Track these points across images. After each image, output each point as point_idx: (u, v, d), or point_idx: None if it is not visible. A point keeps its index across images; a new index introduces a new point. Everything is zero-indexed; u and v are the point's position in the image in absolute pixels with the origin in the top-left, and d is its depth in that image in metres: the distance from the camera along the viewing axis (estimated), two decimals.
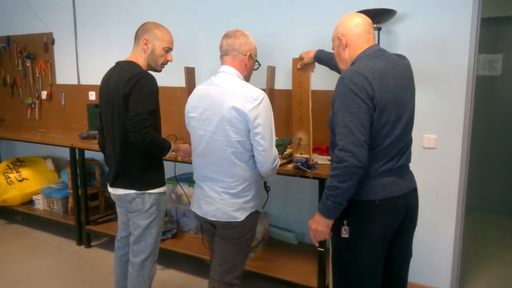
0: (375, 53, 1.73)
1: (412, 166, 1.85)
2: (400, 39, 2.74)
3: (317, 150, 2.92)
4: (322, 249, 2.55)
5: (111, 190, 2.35)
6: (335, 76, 1.81)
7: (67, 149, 3.67)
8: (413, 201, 1.81)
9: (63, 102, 4.53)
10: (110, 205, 3.93)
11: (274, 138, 1.99)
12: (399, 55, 1.82)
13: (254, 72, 2.17)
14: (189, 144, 2.24)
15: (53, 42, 4.49)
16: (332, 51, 1.95)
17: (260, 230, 3.15)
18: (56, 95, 4.58)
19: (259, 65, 2.17)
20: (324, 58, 2.35)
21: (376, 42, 2.58)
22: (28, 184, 4.26)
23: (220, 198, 2.01)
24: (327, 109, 1.77)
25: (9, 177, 4.21)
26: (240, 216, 2.01)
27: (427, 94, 2.68)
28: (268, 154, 1.94)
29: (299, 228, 3.32)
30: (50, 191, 4.09)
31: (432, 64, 2.66)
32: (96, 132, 2.95)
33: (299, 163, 2.49)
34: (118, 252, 2.50)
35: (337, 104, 1.63)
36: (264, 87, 2.80)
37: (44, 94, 4.64)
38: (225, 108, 1.90)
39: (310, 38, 3.01)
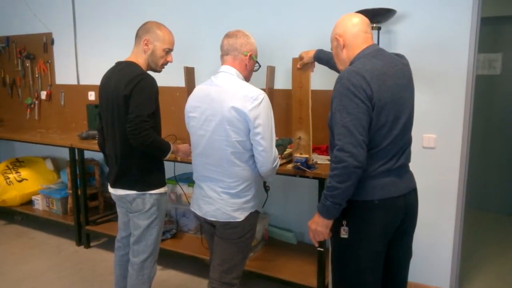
0: (374, 52, 1.73)
1: (412, 166, 1.84)
2: (400, 39, 2.74)
3: (316, 150, 2.92)
4: (322, 249, 2.55)
5: (111, 190, 2.34)
6: (335, 75, 1.81)
7: (66, 149, 3.67)
8: (413, 201, 1.81)
9: (63, 102, 4.52)
10: (109, 205, 3.93)
11: (274, 138, 1.99)
12: (397, 55, 1.82)
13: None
14: (189, 144, 2.24)
15: (52, 42, 4.48)
16: (331, 51, 1.95)
17: (260, 230, 3.15)
18: (55, 95, 4.58)
19: (259, 66, 2.17)
20: (324, 58, 2.34)
21: (376, 42, 2.59)
22: (28, 184, 4.26)
23: (219, 198, 2.01)
24: (327, 109, 1.77)
25: (9, 178, 4.21)
26: (240, 216, 2.01)
27: (426, 94, 2.68)
28: (268, 154, 1.94)
29: (298, 228, 3.32)
30: (50, 192, 4.09)
31: (431, 64, 2.66)
32: (95, 132, 2.95)
33: (298, 163, 2.49)
34: (118, 252, 2.50)
35: (335, 104, 1.63)
36: (264, 87, 2.80)
37: (43, 95, 4.64)
38: (225, 108, 1.90)
39: (310, 38, 3.01)
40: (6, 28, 4.83)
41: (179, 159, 2.64)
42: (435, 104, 2.69)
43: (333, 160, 1.63)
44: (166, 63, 2.32)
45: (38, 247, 3.79)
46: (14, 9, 4.72)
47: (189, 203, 2.28)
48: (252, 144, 1.94)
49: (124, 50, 2.50)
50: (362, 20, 1.80)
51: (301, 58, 2.42)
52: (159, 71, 2.33)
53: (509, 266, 3.38)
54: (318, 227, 1.72)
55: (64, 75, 4.48)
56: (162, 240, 3.16)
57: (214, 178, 2.02)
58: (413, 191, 1.81)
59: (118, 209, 2.45)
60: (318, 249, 2.57)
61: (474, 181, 4.13)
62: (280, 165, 2.50)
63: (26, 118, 4.81)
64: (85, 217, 3.67)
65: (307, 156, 2.49)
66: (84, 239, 3.74)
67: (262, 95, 1.92)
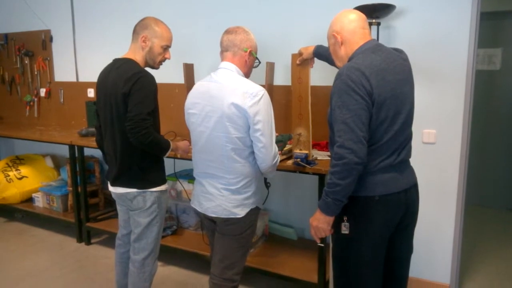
0: (372, 48, 1.72)
1: (412, 161, 1.84)
2: (399, 34, 2.74)
3: (316, 145, 2.92)
4: (322, 245, 2.55)
5: (111, 189, 2.34)
6: (335, 71, 1.80)
7: (66, 146, 3.67)
8: (414, 196, 1.81)
9: (62, 100, 4.52)
10: (110, 202, 3.93)
11: (274, 134, 1.99)
12: (396, 50, 1.82)
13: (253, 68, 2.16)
14: (189, 140, 2.24)
15: (51, 39, 4.47)
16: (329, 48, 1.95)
17: (260, 226, 3.15)
18: (54, 92, 4.57)
19: (259, 62, 2.16)
20: (323, 53, 2.34)
21: (375, 37, 2.59)
22: (28, 182, 4.26)
23: (220, 195, 2.01)
24: (326, 105, 1.77)
25: (9, 175, 4.21)
26: (241, 212, 2.01)
27: (426, 89, 2.68)
28: (268, 150, 1.94)
29: (299, 223, 3.32)
30: (50, 189, 4.09)
31: (431, 59, 2.66)
32: (95, 129, 2.93)
33: (298, 159, 2.49)
34: (119, 250, 2.50)
35: (335, 101, 1.63)
36: (263, 83, 2.79)
37: (42, 92, 4.63)
38: (225, 105, 1.90)
39: (309, 34, 3.00)
40: (5, 25, 4.82)
41: (178, 156, 2.64)
42: (435, 100, 2.69)
43: (333, 156, 1.62)
44: (164, 60, 2.31)
45: (38, 244, 3.79)
46: (12, 6, 4.71)
47: (190, 200, 2.28)
48: (252, 141, 1.94)
49: (123, 47, 2.49)
50: (359, 16, 1.79)
51: (300, 54, 2.41)
52: (157, 68, 2.32)
53: (509, 261, 3.39)
54: (320, 224, 1.72)
55: (63, 72, 4.48)
56: (163, 237, 3.16)
57: (215, 175, 2.02)
58: (414, 187, 1.81)
59: (118, 207, 2.45)
60: (319, 244, 2.56)
61: (474, 176, 4.14)
62: (280, 161, 2.50)
63: (26, 116, 4.81)
64: (85, 214, 3.68)
65: (307, 152, 2.49)
66: (84, 236, 3.75)
67: (262, 91, 1.92)
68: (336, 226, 1.76)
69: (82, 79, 4.35)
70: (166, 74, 3.25)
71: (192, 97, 2.06)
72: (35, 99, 4.72)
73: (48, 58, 4.54)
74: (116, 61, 2.24)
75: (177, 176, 3.13)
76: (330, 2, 2.92)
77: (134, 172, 2.21)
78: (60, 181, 4.25)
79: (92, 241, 3.79)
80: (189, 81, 3.01)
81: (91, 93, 4.22)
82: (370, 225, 1.72)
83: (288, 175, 3.05)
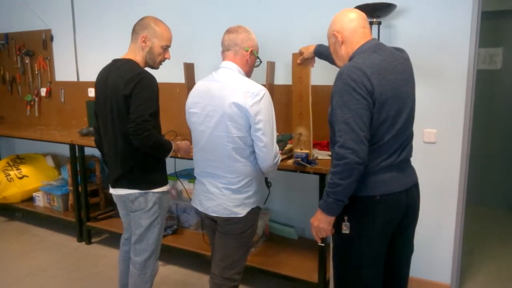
0: (373, 47, 1.72)
1: (413, 161, 1.84)
2: (400, 33, 2.73)
3: (317, 145, 2.92)
4: (323, 244, 2.54)
5: (112, 191, 2.31)
6: (335, 70, 1.80)
7: (67, 146, 3.67)
8: (414, 196, 1.81)
9: (63, 99, 4.52)
10: (110, 201, 3.90)
11: (275, 134, 1.98)
12: (397, 49, 1.81)
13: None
14: (190, 140, 2.24)
15: (52, 39, 4.47)
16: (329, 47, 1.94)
17: (261, 225, 3.15)
18: (55, 92, 4.57)
19: (260, 62, 2.15)
20: (324, 53, 2.33)
21: (376, 37, 2.59)
22: (28, 181, 4.26)
23: (221, 194, 2.01)
24: (327, 104, 1.77)
25: (9, 174, 4.21)
26: (241, 211, 2.01)
27: (427, 88, 2.67)
28: (269, 150, 1.94)
29: (299, 223, 3.32)
30: (50, 188, 4.09)
31: (432, 58, 2.65)
32: None
33: (299, 159, 2.49)
34: (123, 248, 2.49)
35: (336, 101, 1.63)
36: (264, 82, 2.79)
37: (43, 91, 4.63)
38: (226, 104, 1.90)
39: (309, 33, 3.00)
40: (5, 25, 4.82)
41: (179, 155, 2.63)
42: (436, 99, 2.68)
43: (334, 156, 1.62)
44: (164, 60, 2.29)
45: (39, 243, 3.80)
46: (13, 6, 4.70)
47: (190, 199, 2.28)
48: (253, 140, 1.94)
49: (124, 47, 2.47)
50: (359, 15, 1.79)
51: (301, 53, 2.41)
52: (157, 68, 2.30)
53: (510, 261, 3.38)
54: (321, 224, 1.72)
55: (63, 71, 4.48)
56: (163, 236, 3.16)
57: (216, 174, 2.02)
58: (415, 186, 1.81)
59: (120, 212, 2.42)
60: (319, 244, 2.56)
61: (475, 176, 4.13)
62: (281, 160, 2.50)
63: (26, 115, 4.81)
64: (86, 213, 3.68)
65: (307, 151, 2.49)
66: (85, 235, 3.75)
67: (263, 90, 1.92)
68: (336, 225, 1.76)
69: (82, 78, 4.35)
70: (167, 74, 3.25)
71: (193, 96, 2.06)
72: (36, 99, 4.72)
73: (49, 58, 4.54)
74: (116, 62, 2.21)
75: (177, 175, 3.13)
76: (330, 1, 2.92)
77: (136, 173, 2.19)
78: (61, 181, 4.26)
79: (93, 240, 3.79)
80: (190, 80, 3.01)
81: (91, 92, 4.22)
82: (371, 225, 1.71)
83: (289, 174, 3.05)
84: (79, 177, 3.67)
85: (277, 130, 2.12)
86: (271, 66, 2.91)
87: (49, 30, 4.47)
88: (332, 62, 2.33)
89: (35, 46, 4.61)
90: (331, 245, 1.90)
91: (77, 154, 3.64)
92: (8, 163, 4.35)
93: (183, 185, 3.25)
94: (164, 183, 2.28)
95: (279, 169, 2.29)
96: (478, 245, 3.64)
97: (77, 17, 4.27)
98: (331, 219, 1.70)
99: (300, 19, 3.06)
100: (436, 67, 2.65)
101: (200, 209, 2.12)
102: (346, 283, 1.84)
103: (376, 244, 1.74)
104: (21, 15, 4.65)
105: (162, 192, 2.26)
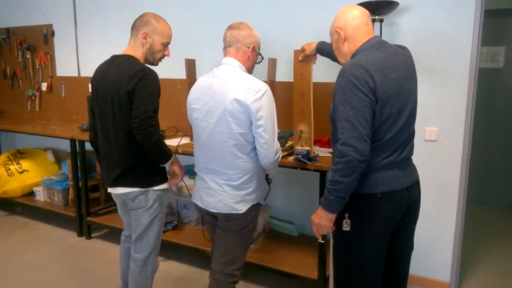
0: (376, 45, 1.71)
1: (414, 159, 1.84)
2: (403, 31, 2.73)
3: (318, 142, 2.92)
4: (323, 241, 2.55)
5: (111, 190, 2.29)
6: (337, 68, 1.80)
7: (67, 140, 3.67)
8: (415, 194, 1.81)
9: (64, 94, 4.51)
10: (110, 197, 3.90)
11: (276, 130, 1.98)
12: (400, 46, 1.80)
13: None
14: (191, 136, 2.23)
15: (53, 34, 4.46)
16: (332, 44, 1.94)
17: (261, 222, 3.15)
18: (56, 87, 4.57)
19: (262, 58, 2.15)
20: (325, 50, 2.33)
21: (378, 34, 2.58)
22: (29, 175, 4.26)
23: (221, 190, 2.01)
24: (329, 102, 1.76)
25: (10, 169, 4.21)
26: (242, 208, 2.01)
27: (429, 86, 2.67)
28: (270, 146, 1.94)
29: (299, 220, 3.33)
30: (51, 183, 4.09)
31: (434, 56, 2.65)
32: None
33: (300, 156, 2.49)
34: (124, 245, 2.50)
35: (338, 98, 1.62)
36: (265, 79, 2.79)
37: (44, 86, 4.63)
38: (227, 100, 1.90)
39: (311, 30, 2.99)
40: (7, 20, 4.81)
41: (174, 169, 2.37)
42: (438, 97, 2.68)
43: (336, 154, 1.62)
44: (163, 56, 2.28)
45: (39, 238, 3.80)
46: (14, 0, 4.69)
47: (191, 195, 2.28)
48: (254, 137, 1.94)
49: (125, 42, 2.48)
50: (362, 12, 1.78)
51: (302, 50, 2.40)
52: (156, 65, 2.28)
53: (510, 259, 3.39)
54: (322, 221, 1.72)
55: (64, 66, 4.47)
56: (163, 232, 3.17)
57: (216, 170, 2.02)
58: (416, 184, 1.81)
59: (120, 211, 2.42)
60: (319, 241, 2.57)
61: (476, 174, 4.13)
62: (282, 157, 2.50)
63: (27, 110, 4.81)
64: (86, 208, 3.68)
65: (308, 148, 2.49)
66: (85, 230, 3.76)
67: (265, 87, 1.91)
68: (337, 222, 1.76)
69: (83, 73, 4.35)
70: (168, 70, 3.25)
71: (195, 92, 2.06)
72: (37, 94, 4.71)
73: (50, 53, 4.53)
74: (116, 58, 2.20)
75: None
76: None
77: (137, 171, 2.18)
78: (61, 175, 4.26)
79: (93, 235, 3.80)
80: (191, 76, 3.00)
81: None
82: (371, 223, 1.71)
83: (290, 171, 3.06)
84: (79, 172, 3.68)
85: (278, 127, 2.12)
86: (272, 62, 2.90)
87: (50, 25, 4.47)
88: (334, 59, 2.32)
89: (36, 41, 4.60)
90: (331, 242, 1.90)
91: (77, 149, 3.64)
92: (8, 157, 4.35)
93: (184, 181, 3.25)
94: (164, 180, 2.27)
95: (279, 166, 2.29)
96: (478, 243, 3.65)
97: (79, 12, 4.26)
98: (332, 216, 1.70)
99: (302, 16, 3.05)
100: (438, 65, 2.65)
101: (200, 205, 2.12)
102: (346, 280, 1.84)
103: (377, 241, 1.74)
104: (23, 9, 4.64)
105: (162, 190, 2.26)
